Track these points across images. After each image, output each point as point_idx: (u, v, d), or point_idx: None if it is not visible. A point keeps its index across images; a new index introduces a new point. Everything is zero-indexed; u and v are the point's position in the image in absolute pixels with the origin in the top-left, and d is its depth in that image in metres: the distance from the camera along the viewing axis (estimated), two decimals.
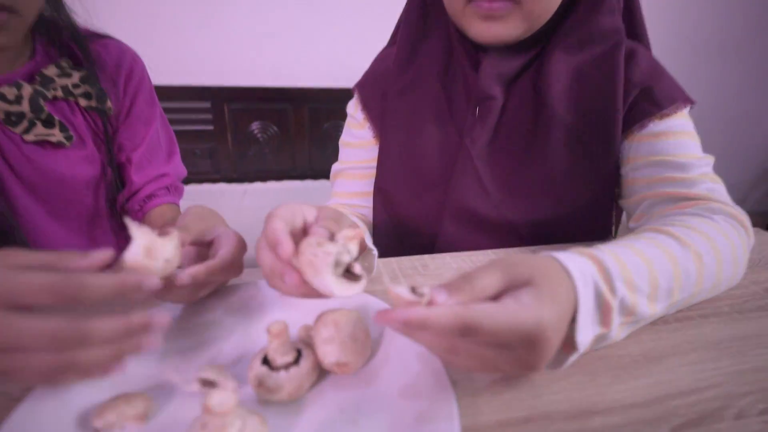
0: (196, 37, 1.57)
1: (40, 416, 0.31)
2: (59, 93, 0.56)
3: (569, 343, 0.33)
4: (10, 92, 0.52)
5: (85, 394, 0.33)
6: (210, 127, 1.68)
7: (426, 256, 0.58)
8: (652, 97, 0.55)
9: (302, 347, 0.36)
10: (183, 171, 0.72)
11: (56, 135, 0.55)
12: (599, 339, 0.36)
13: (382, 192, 0.66)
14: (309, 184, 1.79)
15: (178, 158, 0.72)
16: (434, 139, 0.62)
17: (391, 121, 0.64)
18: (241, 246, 0.41)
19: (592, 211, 0.60)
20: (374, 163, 0.68)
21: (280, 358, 0.33)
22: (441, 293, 0.29)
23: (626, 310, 0.36)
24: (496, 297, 0.30)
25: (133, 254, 0.31)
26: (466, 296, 0.29)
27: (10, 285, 0.26)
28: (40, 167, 0.56)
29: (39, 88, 0.54)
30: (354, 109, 0.70)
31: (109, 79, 0.61)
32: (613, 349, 0.39)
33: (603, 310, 0.34)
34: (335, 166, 0.73)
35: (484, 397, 0.35)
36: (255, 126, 1.72)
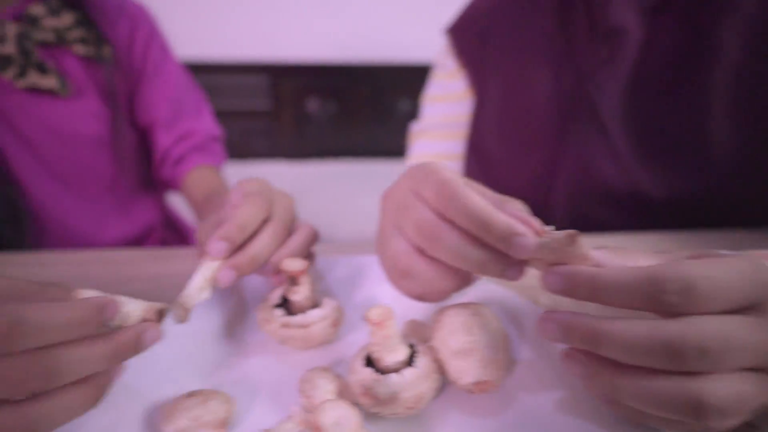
0: (248, 6, 1.52)
1: (100, 415, 0.24)
2: (51, 37, 0.51)
3: None
4: None
5: (153, 385, 0.27)
6: (266, 106, 1.64)
7: None
8: None
9: (413, 341, 0.27)
10: (215, 129, 0.65)
11: (50, 83, 0.51)
12: None
13: (477, 151, 0.56)
14: (369, 165, 1.71)
15: (208, 117, 0.65)
16: (546, 85, 0.51)
17: (493, 66, 0.54)
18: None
19: (760, 186, 0.46)
20: (466, 120, 0.58)
21: (388, 356, 0.25)
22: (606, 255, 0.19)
23: None
24: None
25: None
26: None
27: None
28: (35, 118, 0.52)
29: (25, 27, 0.50)
30: (444, 57, 0.60)
31: (110, 25, 0.56)
32: None
33: None
34: (416, 126, 0.64)
35: None
36: (312, 103, 1.66)
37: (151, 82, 0.59)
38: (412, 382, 0.24)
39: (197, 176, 0.60)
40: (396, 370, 0.25)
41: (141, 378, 0.27)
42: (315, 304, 0.30)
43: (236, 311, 0.33)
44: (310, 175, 1.63)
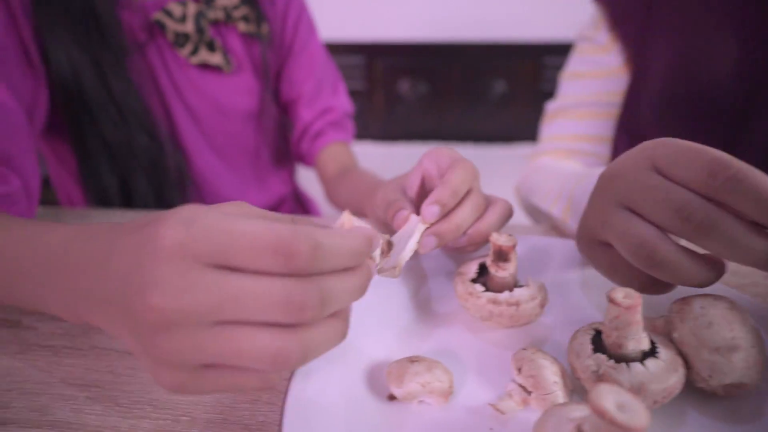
0: None
1: (326, 374, 0.25)
2: (220, 15, 0.54)
3: None
4: (176, 9, 0.51)
5: (365, 345, 0.27)
6: (360, 87, 1.65)
7: None
8: None
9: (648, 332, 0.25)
10: (349, 106, 0.66)
11: (217, 59, 0.54)
12: None
13: (632, 132, 0.52)
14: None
15: (343, 92, 0.66)
16: (731, 56, 0.46)
17: (660, 37, 0.50)
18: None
19: None
20: (616, 99, 0.53)
21: (630, 344, 0.23)
22: None
23: None
24: None
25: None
26: None
27: (223, 237, 0.18)
28: (201, 92, 0.55)
29: (202, 7, 0.53)
30: (593, 29, 0.56)
31: (269, 4, 0.58)
32: None
33: None
34: (552, 105, 0.60)
35: None
36: (403, 84, 1.65)
37: (299, 59, 0.61)
38: (659, 375, 0.22)
39: (331, 151, 0.61)
40: (634, 360, 0.23)
41: (357, 336, 0.27)
42: (515, 283, 0.29)
43: (419, 280, 0.33)
44: (398, 156, 1.63)
